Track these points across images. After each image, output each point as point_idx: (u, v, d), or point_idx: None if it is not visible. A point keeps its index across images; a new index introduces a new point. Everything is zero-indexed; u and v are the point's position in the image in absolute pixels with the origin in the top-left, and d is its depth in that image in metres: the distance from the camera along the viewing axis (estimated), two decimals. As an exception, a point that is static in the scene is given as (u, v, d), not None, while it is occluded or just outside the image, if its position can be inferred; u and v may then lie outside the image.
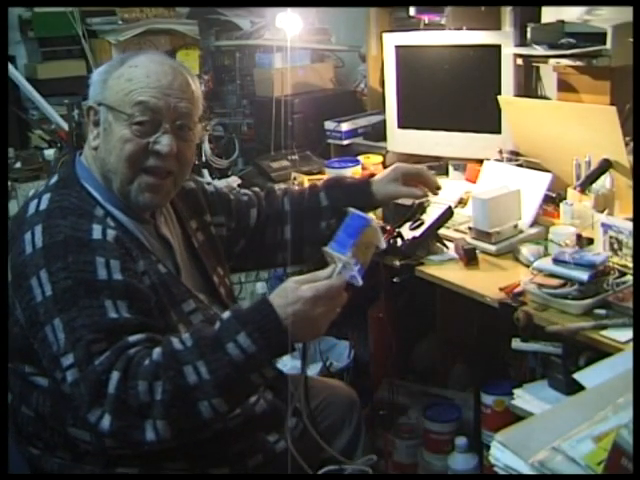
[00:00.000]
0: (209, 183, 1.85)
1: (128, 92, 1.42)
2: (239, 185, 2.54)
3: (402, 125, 2.46)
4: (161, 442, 1.26)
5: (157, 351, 1.29)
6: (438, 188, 1.87)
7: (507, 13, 2.20)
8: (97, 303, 1.31)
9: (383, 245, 1.42)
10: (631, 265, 1.60)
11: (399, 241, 1.90)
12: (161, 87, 1.43)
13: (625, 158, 1.81)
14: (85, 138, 1.54)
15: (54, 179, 1.51)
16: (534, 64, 2.25)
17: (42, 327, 1.32)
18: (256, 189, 1.90)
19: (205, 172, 2.65)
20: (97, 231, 1.38)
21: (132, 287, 1.36)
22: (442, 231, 1.94)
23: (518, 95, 2.21)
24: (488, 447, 1.03)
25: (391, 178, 1.83)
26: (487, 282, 1.72)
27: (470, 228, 1.93)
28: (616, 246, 1.66)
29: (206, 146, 2.71)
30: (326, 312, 1.30)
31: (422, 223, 1.91)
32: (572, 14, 2.03)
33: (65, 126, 2.44)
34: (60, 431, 1.40)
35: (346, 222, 1.35)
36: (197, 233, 1.66)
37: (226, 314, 1.32)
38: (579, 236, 1.76)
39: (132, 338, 1.30)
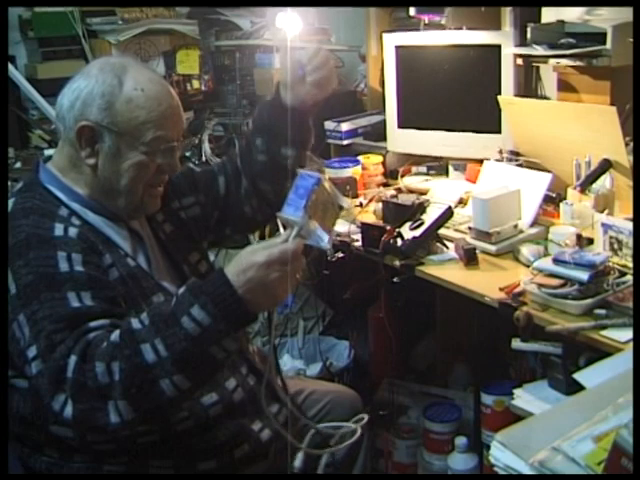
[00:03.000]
0: None
1: (143, 121, 1.43)
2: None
3: (402, 125, 2.46)
4: (126, 424, 1.23)
5: (115, 333, 1.27)
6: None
7: (507, 13, 2.20)
8: (59, 295, 1.30)
9: (345, 204, 1.36)
10: (631, 265, 1.60)
11: (399, 241, 1.90)
12: (171, 112, 1.46)
13: (625, 158, 1.81)
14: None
15: (18, 185, 1.51)
16: (534, 64, 2.25)
17: (10, 325, 1.32)
18: (226, 157, 1.89)
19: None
20: (59, 229, 1.39)
21: (95, 277, 1.36)
22: (442, 231, 1.94)
23: (518, 95, 2.20)
24: (488, 447, 1.03)
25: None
26: (487, 282, 1.72)
27: (470, 228, 1.93)
28: (616, 246, 1.66)
29: (206, 146, 2.71)
30: (281, 277, 1.25)
31: (422, 223, 1.91)
32: (572, 14, 2.03)
33: (65, 126, 2.44)
34: (45, 430, 1.39)
35: (295, 183, 1.29)
36: (164, 225, 1.66)
37: (182, 288, 1.30)
38: (579, 236, 1.76)
39: (93, 324, 1.29)
